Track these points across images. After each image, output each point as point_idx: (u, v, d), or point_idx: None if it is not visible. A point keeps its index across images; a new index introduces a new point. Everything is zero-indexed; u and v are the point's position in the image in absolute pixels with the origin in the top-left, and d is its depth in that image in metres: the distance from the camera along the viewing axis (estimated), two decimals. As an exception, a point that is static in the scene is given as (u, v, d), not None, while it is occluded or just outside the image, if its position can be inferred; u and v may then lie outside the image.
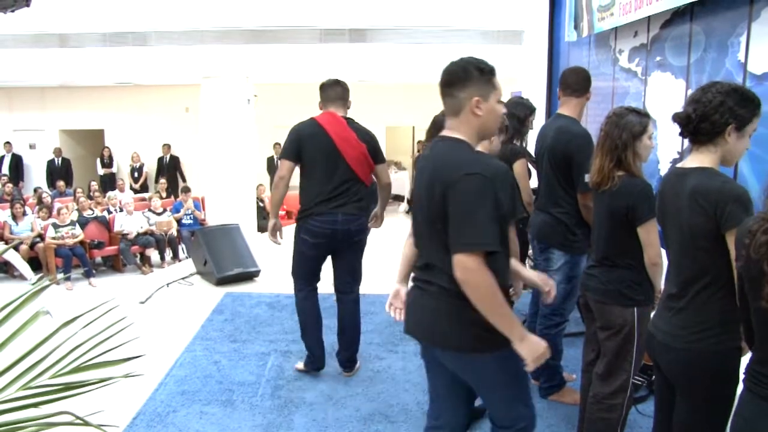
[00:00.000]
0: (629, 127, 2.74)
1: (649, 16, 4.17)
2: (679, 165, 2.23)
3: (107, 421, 1.95)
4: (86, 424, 1.75)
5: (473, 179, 2.10)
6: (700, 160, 2.14)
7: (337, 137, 4.11)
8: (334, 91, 4.35)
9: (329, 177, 4.11)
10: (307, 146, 4.11)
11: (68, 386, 1.79)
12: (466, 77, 2.22)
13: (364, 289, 6.39)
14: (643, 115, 2.80)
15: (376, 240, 9.96)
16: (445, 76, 2.27)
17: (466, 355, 2.27)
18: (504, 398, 2.37)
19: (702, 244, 2.05)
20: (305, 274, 4.36)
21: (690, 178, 2.10)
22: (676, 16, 3.96)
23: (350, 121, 4.30)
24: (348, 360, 4.51)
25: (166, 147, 14.98)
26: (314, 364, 4.46)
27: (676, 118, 2.16)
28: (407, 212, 15.04)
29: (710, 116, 2.06)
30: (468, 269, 2.07)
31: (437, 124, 3.40)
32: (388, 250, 9.01)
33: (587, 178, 2.96)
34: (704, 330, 2.07)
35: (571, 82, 3.81)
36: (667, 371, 2.21)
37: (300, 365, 4.55)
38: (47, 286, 1.95)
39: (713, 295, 2.07)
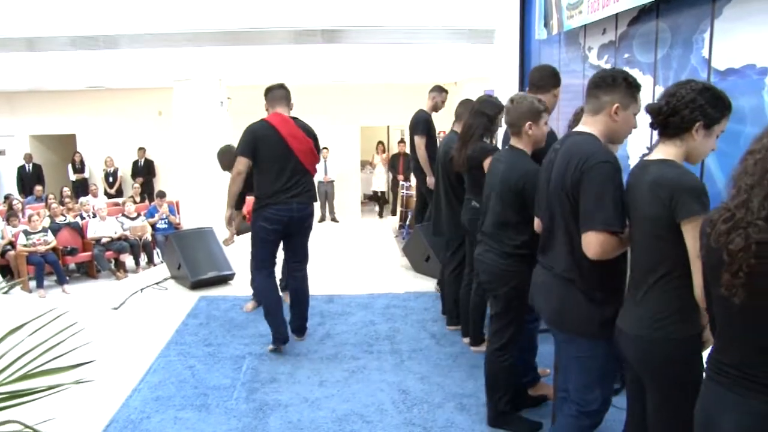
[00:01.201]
0: None
1: (616, 14, 4.20)
2: (645, 158, 2.29)
3: (73, 429, 1.93)
4: (35, 432, 1.72)
5: (606, 166, 2.35)
6: (664, 152, 2.19)
7: (287, 135, 4.64)
8: (279, 93, 4.86)
9: (283, 170, 4.62)
10: (261, 145, 4.60)
11: (14, 394, 1.75)
12: (614, 84, 2.47)
13: (338, 290, 6.43)
14: None
15: (349, 243, 9.98)
16: (595, 79, 2.53)
17: (568, 335, 2.62)
18: (586, 381, 2.61)
19: (659, 234, 2.10)
20: (265, 257, 4.83)
21: (651, 169, 2.16)
22: (643, 13, 4.00)
23: (296, 120, 4.81)
24: (302, 327, 5.15)
25: (142, 150, 14.87)
26: (281, 340, 4.89)
27: (649, 108, 2.21)
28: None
29: (680, 111, 2.11)
30: (599, 246, 2.36)
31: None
32: (361, 252, 9.03)
33: None
34: (663, 319, 2.12)
35: (535, 80, 3.95)
36: (634, 363, 2.25)
37: (271, 346, 4.93)
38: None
39: (670, 283, 2.12)
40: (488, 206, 3.47)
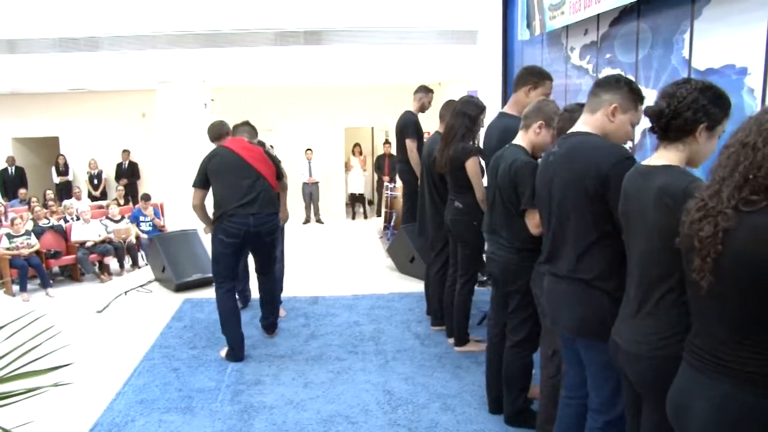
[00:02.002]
0: None
1: (598, 15, 4.24)
2: (644, 163, 2.15)
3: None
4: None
5: (629, 162, 2.30)
6: (666, 157, 2.06)
7: (243, 152, 4.79)
8: (243, 128, 5.23)
9: (239, 185, 4.70)
10: (212, 166, 4.75)
11: (-9, 397, 1.74)
12: (616, 85, 2.45)
13: (323, 291, 6.42)
14: None
15: (333, 244, 9.98)
16: (599, 80, 2.53)
17: (589, 339, 2.51)
18: (611, 388, 2.51)
19: (666, 245, 1.91)
20: (224, 271, 4.80)
21: (656, 177, 2.02)
22: (624, 14, 4.03)
23: (261, 144, 5.24)
24: (272, 324, 5.32)
25: (126, 153, 14.79)
26: (235, 358, 4.84)
27: (649, 111, 2.09)
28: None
29: (683, 113, 1.99)
30: None
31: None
32: (345, 253, 9.04)
33: None
34: (670, 336, 1.98)
35: (514, 80, 3.99)
36: (634, 380, 2.13)
37: (223, 353, 4.92)
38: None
39: (678, 298, 1.97)
40: (494, 204, 3.44)
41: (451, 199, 4.51)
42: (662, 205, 1.96)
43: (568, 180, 2.48)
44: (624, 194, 2.18)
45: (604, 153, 2.38)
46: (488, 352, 3.82)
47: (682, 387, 1.77)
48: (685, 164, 2.07)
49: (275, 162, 5.07)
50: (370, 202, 15.52)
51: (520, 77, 3.93)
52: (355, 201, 14.52)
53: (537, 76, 3.88)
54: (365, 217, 13.96)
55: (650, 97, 3.19)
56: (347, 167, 14.73)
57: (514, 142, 3.35)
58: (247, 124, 5.27)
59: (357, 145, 14.76)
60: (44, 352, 1.97)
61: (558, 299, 2.64)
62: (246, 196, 4.67)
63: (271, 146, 5.83)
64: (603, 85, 2.49)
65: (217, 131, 5.34)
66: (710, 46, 3.17)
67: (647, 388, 2.08)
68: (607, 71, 4.29)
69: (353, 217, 13.78)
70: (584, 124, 2.53)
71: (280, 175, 5.10)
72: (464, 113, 4.28)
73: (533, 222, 3.09)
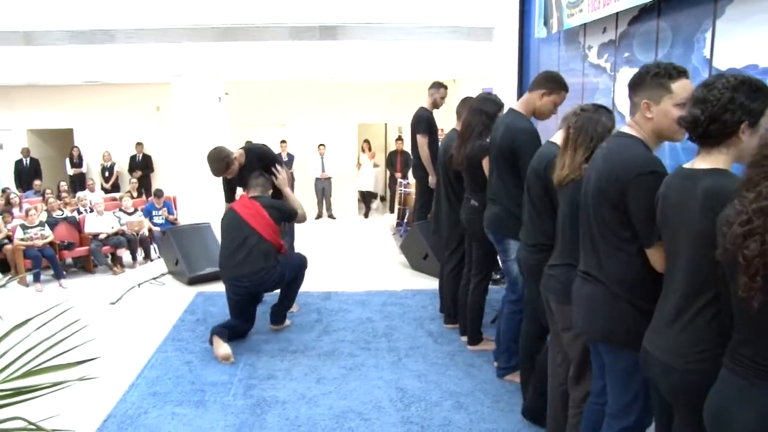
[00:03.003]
0: (603, 122, 2.77)
1: (617, 13, 4.20)
2: (686, 166, 2.04)
3: (71, 426, 1.92)
4: (39, 429, 1.70)
5: (653, 177, 2.21)
6: (711, 161, 1.95)
7: (244, 213, 5.06)
8: (256, 180, 5.33)
9: (238, 247, 4.98)
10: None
11: (19, 391, 1.74)
12: (639, 81, 2.35)
13: (335, 287, 6.41)
14: (610, 112, 2.84)
15: (346, 240, 9.97)
16: (629, 81, 2.41)
17: (614, 346, 2.46)
18: (631, 395, 2.48)
19: (711, 253, 1.78)
20: (236, 314, 5.11)
21: (701, 181, 1.91)
22: (644, 12, 3.99)
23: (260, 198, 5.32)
24: (280, 315, 5.43)
25: (140, 145, 14.83)
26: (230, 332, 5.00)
27: (683, 122, 1.99)
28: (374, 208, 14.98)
29: (720, 116, 1.87)
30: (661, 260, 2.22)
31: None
32: (358, 249, 9.03)
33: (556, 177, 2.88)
34: (709, 350, 1.89)
35: (533, 80, 3.97)
36: (665, 391, 2.06)
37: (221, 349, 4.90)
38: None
39: (719, 310, 1.88)
40: (526, 205, 3.39)
41: (467, 198, 4.49)
42: (708, 211, 1.84)
43: (597, 180, 2.41)
44: (663, 199, 2.09)
45: (629, 162, 2.29)
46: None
47: (724, 394, 1.72)
48: (731, 166, 1.95)
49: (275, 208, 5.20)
50: (383, 199, 15.47)
51: (539, 80, 3.91)
52: (365, 198, 14.43)
53: (554, 84, 3.85)
54: (366, 216, 13.80)
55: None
56: (358, 165, 14.58)
57: (552, 139, 3.31)
58: (261, 175, 5.32)
59: (366, 141, 14.67)
60: (69, 345, 1.97)
61: (584, 302, 2.58)
62: (236, 254, 4.97)
63: (263, 145, 5.77)
64: (631, 87, 2.40)
65: (218, 166, 5.29)
66: (733, 46, 3.13)
67: (679, 401, 2.02)
68: (625, 70, 4.25)
69: (366, 215, 13.70)
70: (628, 126, 2.43)
71: (289, 216, 5.31)
72: (482, 110, 4.27)
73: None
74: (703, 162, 1.97)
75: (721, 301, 1.85)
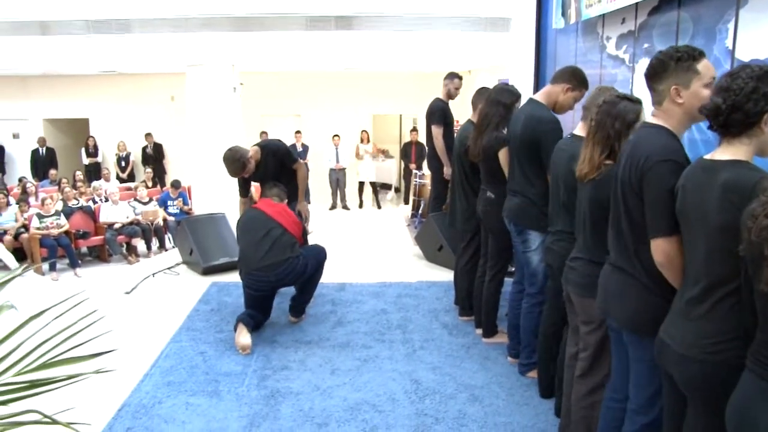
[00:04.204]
0: (622, 116, 2.67)
1: (636, 3, 4.14)
2: (707, 157, 2.02)
3: (85, 416, 1.91)
4: (54, 422, 1.69)
5: (666, 165, 2.18)
6: (732, 152, 1.93)
7: (270, 210, 5.10)
8: (270, 191, 5.39)
9: (262, 240, 4.94)
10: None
11: (34, 384, 1.73)
12: (663, 69, 2.29)
13: (350, 278, 6.40)
14: (636, 102, 2.74)
15: (360, 231, 9.96)
16: (647, 71, 2.36)
17: (641, 335, 2.41)
18: (654, 389, 2.43)
19: (730, 246, 1.78)
20: (250, 305, 5.06)
21: (721, 172, 1.90)
22: (664, 2, 3.94)
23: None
24: (299, 309, 5.38)
25: (149, 136, 14.88)
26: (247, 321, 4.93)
27: (704, 110, 1.98)
28: (392, 200, 14.97)
29: (743, 105, 1.86)
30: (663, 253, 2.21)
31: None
32: (372, 240, 9.01)
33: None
34: (726, 341, 1.88)
35: (556, 72, 3.96)
36: (681, 382, 2.05)
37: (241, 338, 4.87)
38: (9, 280, 1.89)
39: (737, 303, 1.86)
40: (556, 199, 3.34)
41: (483, 189, 4.46)
42: (727, 203, 1.83)
43: (623, 172, 2.37)
44: (682, 190, 2.07)
45: (648, 151, 2.25)
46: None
47: (748, 398, 1.68)
48: (752, 157, 1.93)
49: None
50: (397, 190, 15.43)
51: (564, 74, 3.87)
52: (371, 188, 14.24)
53: (579, 81, 3.84)
54: (361, 206, 13.64)
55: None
56: (357, 157, 14.24)
57: (575, 132, 3.29)
58: (275, 186, 5.39)
59: (364, 131, 14.30)
60: (86, 337, 1.96)
61: (612, 290, 2.54)
62: (270, 250, 4.90)
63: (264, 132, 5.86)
64: (651, 76, 2.34)
65: (235, 167, 5.28)
66: (756, 36, 3.07)
67: (694, 392, 2.01)
68: (644, 62, 4.20)
69: (378, 206, 13.62)
70: (653, 116, 2.38)
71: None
72: (498, 101, 4.23)
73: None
74: (724, 153, 1.95)
75: (742, 296, 1.83)
